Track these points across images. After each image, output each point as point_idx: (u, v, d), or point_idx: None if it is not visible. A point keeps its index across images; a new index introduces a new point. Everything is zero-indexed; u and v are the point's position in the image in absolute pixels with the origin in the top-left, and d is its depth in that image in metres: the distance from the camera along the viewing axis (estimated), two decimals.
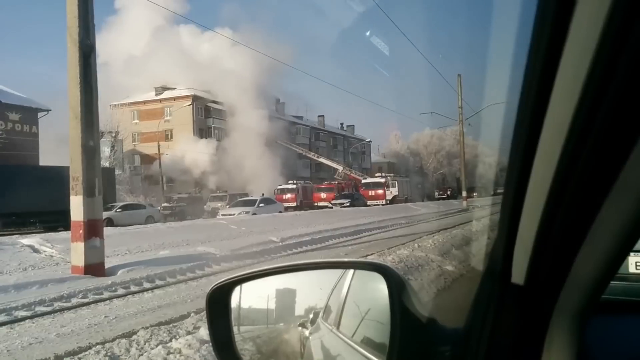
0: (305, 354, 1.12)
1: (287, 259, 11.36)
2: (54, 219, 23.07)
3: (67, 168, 9.79)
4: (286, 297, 1.14)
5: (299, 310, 1.13)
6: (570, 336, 0.72)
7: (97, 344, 5.04)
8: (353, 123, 79.83)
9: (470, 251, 9.77)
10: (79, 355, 4.70)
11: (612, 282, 0.68)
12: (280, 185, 45.92)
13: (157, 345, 4.77)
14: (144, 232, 15.27)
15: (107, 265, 9.57)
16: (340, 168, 56.39)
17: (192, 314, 6.01)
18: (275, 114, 56.16)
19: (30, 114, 36.42)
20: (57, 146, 31.12)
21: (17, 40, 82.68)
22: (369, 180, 50.73)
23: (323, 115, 70.36)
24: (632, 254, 2.14)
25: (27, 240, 12.20)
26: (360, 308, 1.09)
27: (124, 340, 5.01)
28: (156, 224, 21.17)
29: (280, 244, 13.77)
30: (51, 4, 68.05)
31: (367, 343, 1.00)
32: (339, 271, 1.13)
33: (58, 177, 19.05)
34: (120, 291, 8.26)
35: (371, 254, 11.03)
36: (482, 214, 16.79)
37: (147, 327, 5.56)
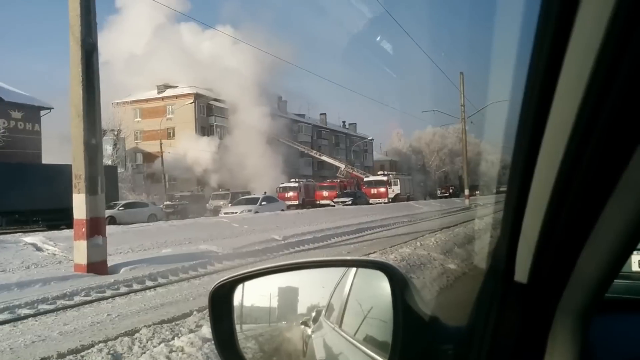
0: (308, 352, 1.12)
1: (289, 257, 11.35)
2: (57, 217, 23.15)
3: (70, 166, 9.79)
4: (288, 296, 1.15)
5: (302, 308, 1.13)
6: (574, 334, 0.72)
7: (100, 342, 5.05)
8: (355, 121, 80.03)
9: (473, 249, 9.76)
10: (82, 354, 4.70)
11: (615, 280, 0.68)
12: (283, 183, 45.90)
13: (159, 344, 4.78)
14: (147, 230, 15.29)
15: (109, 263, 9.60)
16: (342, 166, 56.39)
17: (195, 312, 6.01)
18: (277, 112, 56.10)
19: (32, 112, 36.45)
20: (59, 144, 31.36)
21: (19, 38, 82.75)
22: (371, 178, 50.64)
23: (325, 113, 70.54)
24: (635, 252, 2.14)
25: (29, 238, 12.21)
26: (363, 306, 1.09)
27: (126, 339, 5.02)
28: (158, 222, 21.18)
29: (283, 242, 13.76)
30: (53, 1, 68.11)
31: (370, 341, 1.00)
32: (341, 269, 1.13)
33: (60, 175, 19.09)
34: (123, 289, 8.27)
35: (373, 252, 11.03)
36: (484, 212, 16.77)
37: (149, 325, 5.57)
